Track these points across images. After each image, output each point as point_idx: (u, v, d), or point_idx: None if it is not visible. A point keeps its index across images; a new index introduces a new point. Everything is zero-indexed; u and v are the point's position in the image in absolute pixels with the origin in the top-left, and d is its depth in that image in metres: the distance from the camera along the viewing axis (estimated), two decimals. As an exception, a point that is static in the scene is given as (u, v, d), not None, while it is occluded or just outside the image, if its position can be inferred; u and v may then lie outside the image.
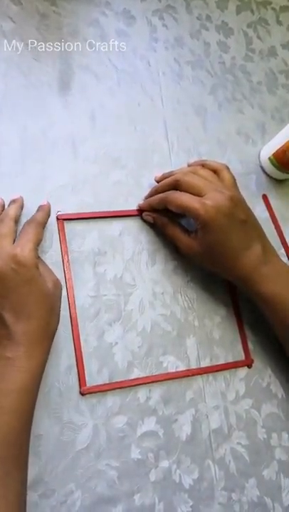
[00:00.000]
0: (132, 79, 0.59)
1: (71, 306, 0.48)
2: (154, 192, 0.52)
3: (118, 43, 0.60)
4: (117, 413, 0.47)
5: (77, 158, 0.53)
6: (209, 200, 0.46)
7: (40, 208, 0.48)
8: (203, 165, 0.52)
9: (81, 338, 0.47)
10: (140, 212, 0.53)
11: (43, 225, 0.47)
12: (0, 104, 0.52)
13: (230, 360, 0.52)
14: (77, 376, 0.46)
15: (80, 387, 0.46)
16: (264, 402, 0.52)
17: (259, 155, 0.61)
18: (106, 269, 0.50)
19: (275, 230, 0.59)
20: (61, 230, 0.50)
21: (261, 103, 0.64)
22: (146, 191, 0.54)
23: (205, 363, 0.51)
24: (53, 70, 0.56)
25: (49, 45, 0.56)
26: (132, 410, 0.47)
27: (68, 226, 0.50)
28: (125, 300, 0.50)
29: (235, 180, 0.51)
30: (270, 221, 0.59)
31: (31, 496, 0.42)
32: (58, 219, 0.50)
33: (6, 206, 0.48)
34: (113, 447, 0.46)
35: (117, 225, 0.52)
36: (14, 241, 0.44)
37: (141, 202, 0.54)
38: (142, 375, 0.48)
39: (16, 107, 0.53)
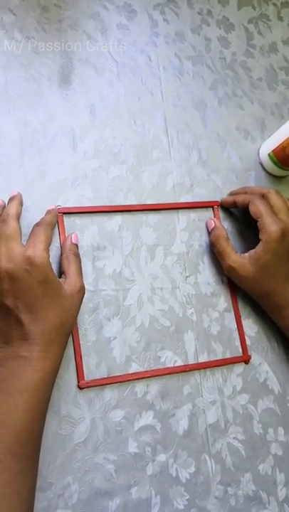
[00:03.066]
0: (132, 73, 0.59)
1: (70, 300, 0.48)
2: (242, 189, 0.56)
3: (119, 36, 0.59)
4: (115, 407, 0.47)
5: (76, 153, 0.53)
6: (282, 222, 0.49)
7: (48, 212, 0.49)
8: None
9: (80, 332, 0.47)
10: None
11: (53, 226, 0.47)
12: (0, 97, 0.52)
13: (227, 355, 0.52)
14: (75, 370, 0.46)
15: (78, 381, 0.46)
16: (260, 398, 0.52)
17: (258, 151, 0.61)
18: (105, 263, 0.50)
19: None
20: (60, 224, 0.50)
21: (261, 99, 0.64)
22: (146, 186, 0.55)
23: (203, 358, 0.51)
24: (53, 63, 0.55)
25: (49, 38, 0.56)
26: (130, 404, 0.47)
27: (68, 220, 0.50)
28: (124, 295, 0.50)
29: None
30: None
31: (29, 489, 0.42)
32: (57, 213, 0.50)
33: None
34: (110, 441, 0.46)
35: (116, 220, 0.52)
36: (21, 239, 0.44)
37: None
38: (140, 369, 0.49)
39: (15, 99, 0.52)
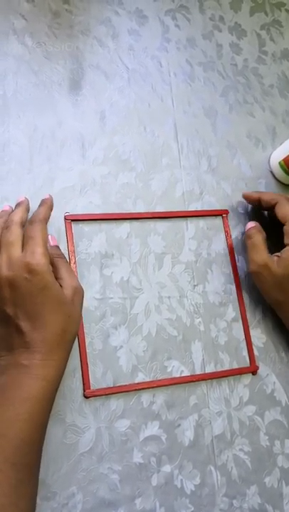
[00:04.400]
0: (142, 79, 0.58)
1: (77, 308, 0.47)
2: (258, 193, 0.55)
3: (130, 42, 0.59)
4: (121, 417, 0.46)
5: (85, 159, 0.53)
6: None
7: (42, 203, 0.48)
8: None
9: (86, 340, 0.47)
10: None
11: (46, 221, 0.46)
12: (10, 102, 0.52)
13: (235, 366, 0.51)
14: (81, 379, 0.46)
15: (84, 389, 0.46)
16: (267, 409, 0.52)
17: (269, 159, 0.61)
18: (113, 271, 0.50)
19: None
20: (68, 231, 0.50)
21: (272, 106, 0.64)
22: (155, 194, 0.54)
23: (210, 369, 0.51)
24: (63, 69, 0.55)
25: (60, 43, 0.56)
26: (136, 414, 0.47)
27: (76, 227, 0.50)
28: (131, 303, 0.50)
29: None
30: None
31: (33, 498, 0.42)
32: (65, 220, 0.50)
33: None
34: (115, 451, 0.46)
35: (124, 228, 0.52)
36: (23, 246, 0.43)
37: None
38: (147, 379, 0.48)
39: (25, 105, 0.52)
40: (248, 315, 0.54)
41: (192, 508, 0.46)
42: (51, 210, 0.48)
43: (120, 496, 0.45)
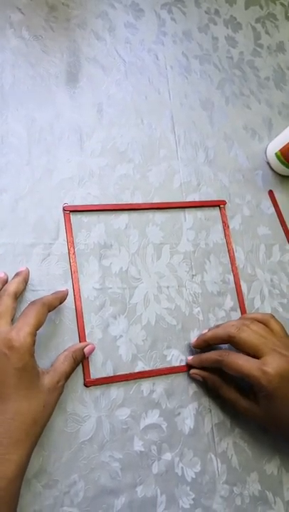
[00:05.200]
0: (139, 72, 0.59)
1: (76, 298, 0.48)
2: (203, 343, 0.49)
3: (126, 35, 0.59)
4: (121, 405, 0.47)
5: (83, 151, 0.53)
6: (270, 367, 0.42)
7: (56, 292, 0.45)
8: (250, 318, 0.48)
9: (86, 330, 0.47)
10: (188, 367, 0.49)
11: (50, 308, 0.43)
12: (8, 95, 0.52)
13: (233, 354, 0.52)
14: (81, 368, 0.46)
15: (85, 379, 0.46)
16: (267, 397, 0.52)
17: (266, 151, 0.61)
18: (112, 262, 0.50)
19: (281, 226, 0.59)
20: (67, 222, 0.50)
21: (268, 98, 0.64)
22: (153, 185, 0.55)
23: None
24: (60, 62, 0.55)
25: (57, 36, 0.56)
26: (136, 403, 0.47)
27: (75, 218, 0.50)
28: (130, 293, 0.50)
29: (284, 328, 0.48)
30: (276, 217, 0.59)
31: (35, 486, 0.42)
32: (64, 211, 0.50)
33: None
34: (116, 439, 0.46)
35: (123, 219, 0.52)
36: (13, 319, 0.42)
37: (193, 342, 0.50)
38: (146, 368, 0.48)
39: (23, 98, 0.53)
40: (247, 304, 0.54)
41: (193, 496, 0.47)
42: (61, 302, 0.45)
43: (121, 483, 0.45)
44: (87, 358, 0.46)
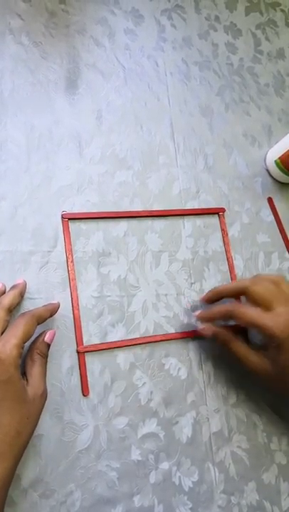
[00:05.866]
0: (139, 78, 0.59)
1: (74, 306, 0.48)
2: (216, 295, 0.49)
3: (126, 41, 0.59)
4: (118, 414, 0.47)
5: (83, 158, 0.53)
6: (283, 317, 0.42)
7: (46, 305, 0.45)
8: (263, 277, 0.48)
9: (84, 338, 0.47)
10: (193, 333, 0.50)
11: (40, 320, 0.42)
12: (7, 102, 0.52)
13: (232, 363, 0.52)
14: (79, 377, 0.46)
15: (82, 388, 0.46)
16: (265, 406, 0.52)
17: (265, 158, 0.61)
18: (110, 270, 0.50)
19: (279, 234, 0.58)
20: (66, 230, 0.50)
21: (268, 105, 0.64)
22: (152, 192, 0.54)
23: (207, 366, 0.51)
24: (60, 68, 0.55)
25: (57, 42, 0.56)
26: (133, 412, 0.47)
27: (73, 226, 0.50)
28: (128, 301, 0.50)
29: None
30: (275, 224, 0.59)
31: (31, 496, 0.42)
32: (63, 218, 0.50)
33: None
34: (114, 448, 0.46)
35: (121, 226, 0.52)
36: (3, 332, 0.41)
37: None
38: (144, 376, 0.48)
39: (22, 104, 0.52)
40: (245, 312, 0.54)
41: (190, 505, 0.47)
42: (51, 315, 0.45)
43: (118, 493, 0.45)
44: (85, 363, 0.46)
